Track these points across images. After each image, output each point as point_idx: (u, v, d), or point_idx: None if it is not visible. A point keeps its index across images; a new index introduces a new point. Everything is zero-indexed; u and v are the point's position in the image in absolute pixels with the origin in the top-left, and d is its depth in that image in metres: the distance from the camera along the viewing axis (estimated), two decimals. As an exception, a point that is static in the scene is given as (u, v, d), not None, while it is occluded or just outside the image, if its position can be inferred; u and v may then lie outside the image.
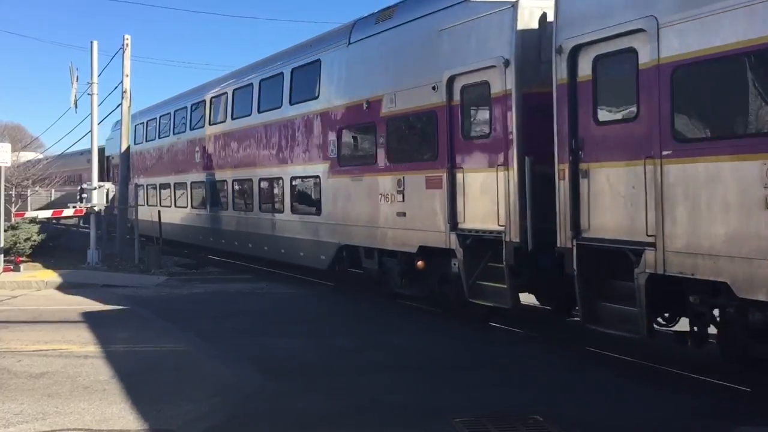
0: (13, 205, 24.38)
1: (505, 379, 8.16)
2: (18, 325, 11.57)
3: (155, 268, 19.38)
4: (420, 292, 12.33)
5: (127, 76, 22.65)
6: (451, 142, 10.87)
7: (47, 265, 19.56)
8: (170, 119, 23.75)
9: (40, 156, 34.49)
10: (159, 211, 22.08)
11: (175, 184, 23.32)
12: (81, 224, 29.44)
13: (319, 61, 14.99)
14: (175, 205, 23.22)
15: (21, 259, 19.65)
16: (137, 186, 25.59)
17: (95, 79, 21.21)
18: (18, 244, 20.17)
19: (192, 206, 22.03)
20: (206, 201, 20.87)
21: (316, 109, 14.93)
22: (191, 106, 22.18)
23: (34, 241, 20.97)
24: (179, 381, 8.05)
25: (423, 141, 11.66)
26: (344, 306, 13.89)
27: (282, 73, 16.57)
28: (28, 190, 27.51)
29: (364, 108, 13.08)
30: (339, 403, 7.21)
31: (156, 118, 25.03)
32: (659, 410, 6.94)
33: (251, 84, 18.14)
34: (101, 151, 25.21)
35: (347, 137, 13.92)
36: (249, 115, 18.10)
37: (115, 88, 23.30)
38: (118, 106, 23.32)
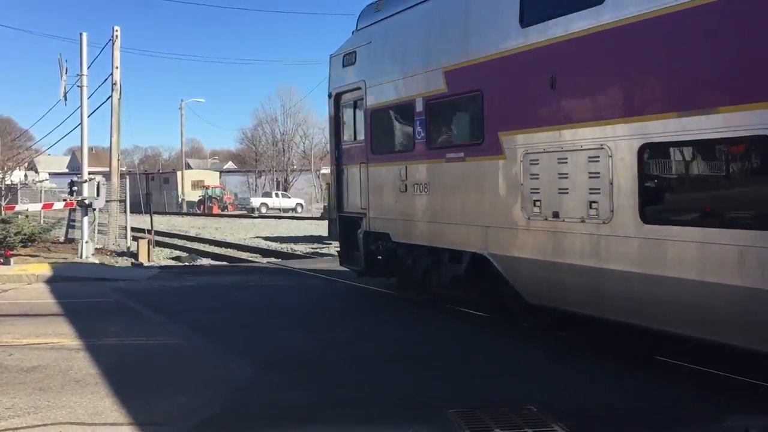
0: (3, 198, 24.21)
1: (499, 370, 8.15)
2: (9, 319, 11.50)
3: (147, 261, 19.30)
4: None
5: (117, 68, 22.54)
6: None
7: (38, 259, 19.44)
8: None
9: None
10: None
11: None
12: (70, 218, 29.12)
13: None
14: None
15: (11, 252, 19.53)
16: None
17: (85, 71, 21.03)
18: (8, 238, 20.03)
19: None
20: None
21: None
22: None
23: (25, 234, 20.83)
24: (172, 374, 8.02)
25: None
26: (334, 297, 13.90)
27: None
28: (18, 183, 27.25)
29: None
30: (334, 395, 7.19)
31: None
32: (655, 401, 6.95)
33: None
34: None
35: None
36: None
37: (105, 80, 23.21)
38: (108, 99, 23.20)
